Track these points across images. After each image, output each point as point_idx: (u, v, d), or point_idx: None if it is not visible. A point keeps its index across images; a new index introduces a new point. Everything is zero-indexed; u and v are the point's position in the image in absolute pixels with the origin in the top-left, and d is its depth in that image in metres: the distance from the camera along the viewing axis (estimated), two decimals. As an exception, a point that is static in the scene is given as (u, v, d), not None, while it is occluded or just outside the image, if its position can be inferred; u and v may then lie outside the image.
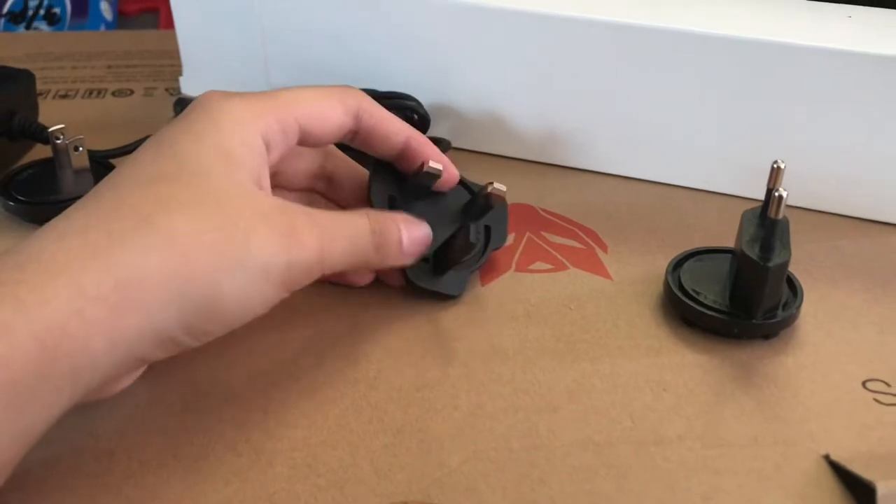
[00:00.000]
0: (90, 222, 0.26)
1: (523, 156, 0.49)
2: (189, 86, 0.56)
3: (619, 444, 0.29)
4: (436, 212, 0.36)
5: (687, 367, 0.33)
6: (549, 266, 0.39)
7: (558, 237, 0.41)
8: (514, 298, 0.36)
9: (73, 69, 0.61)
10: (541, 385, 0.32)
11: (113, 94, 0.57)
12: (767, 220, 0.33)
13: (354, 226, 0.31)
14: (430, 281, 0.35)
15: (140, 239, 0.26)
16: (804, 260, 0.39)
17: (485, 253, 0.38)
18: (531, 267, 0.39)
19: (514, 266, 0.39)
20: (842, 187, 0.43)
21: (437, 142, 0.46)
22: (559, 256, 0.40)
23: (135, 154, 0.29)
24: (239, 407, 0.30)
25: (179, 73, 0.56)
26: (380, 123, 0.34)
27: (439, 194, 0.37)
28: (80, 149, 0.42)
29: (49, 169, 0.43)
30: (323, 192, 0.37)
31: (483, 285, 0.37)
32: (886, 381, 0.32)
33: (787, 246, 0.33)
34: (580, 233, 0.42)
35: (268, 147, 0.31)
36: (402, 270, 0.34)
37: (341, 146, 0.36)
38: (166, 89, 0.58)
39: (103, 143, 0.46)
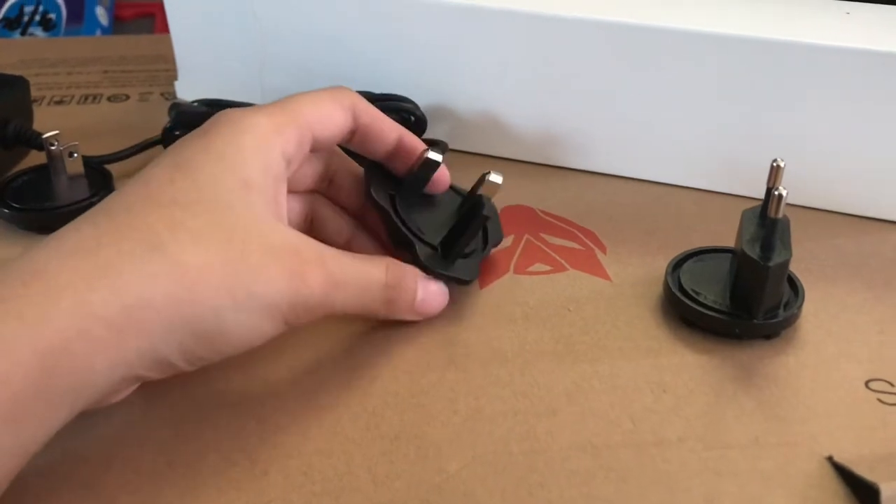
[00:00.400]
0: (101, 241, 0.26)
1: (521, 157, 0.48)
2: (184, 90, 0.55)
3: (618, 447, 0.29)
4: (432, 210, 0.36)
5: (687, 367, 0.32)
6: (548, 268, 0.39)
7: (557, 238, 0.41)
8: (513, 301, 0.36)
9: (67, 75, 0.61)
10: (540, 388, 0.31)
11: (108, 99, 0.57)
12: (767, 220, 0.32)
13: (368, 276, 0.31)
14: (445, 266, 0.34)
15: (149, 265, 0.25)
16: (805, 258, 0.39)
17: (486, 246, 0.38)
18: (530, 269, 0.39)
19: (512, 268, 0.38)
20: (842, 185, 0.43)
21: (434, 143, 0.45)
22: (558, 258, 0.39)
23: (151, 171, 0.29)
24: (233, 415, 0.30)
25: (175, 77, 0.55)
26: (374, 121, 0.34)
27: (432, 196, 0.37)
28: (75, 155, 0.42)
29: (44, 175, 0.43)
30: (325, 194, 0.37)
31: (481, 288, 0.37)
32: (890, 380, 0.32)
33: (787, 245, 0.33)
34: (579, 234, 0.41)
35: (288, 163, 0.31)
36: (415, 255, 0.34)
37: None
38: (162, 94, 0.58)
39: (99, 149, 0.45)
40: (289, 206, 0.34)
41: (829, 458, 0.28)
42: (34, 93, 0.55)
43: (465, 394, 0.31)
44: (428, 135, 0.48)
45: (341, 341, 0.33)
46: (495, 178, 0.34)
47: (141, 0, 1.37)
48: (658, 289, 0.37)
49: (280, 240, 0.29)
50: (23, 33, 1.21)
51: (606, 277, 0.38)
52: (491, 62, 0.46)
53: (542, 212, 0.43)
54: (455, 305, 0.36)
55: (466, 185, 0.38)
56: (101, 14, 1.29)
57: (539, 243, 0.40)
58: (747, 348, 0.33)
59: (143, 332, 0.25)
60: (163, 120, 0.46)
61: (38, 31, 1.23)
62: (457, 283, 0.35)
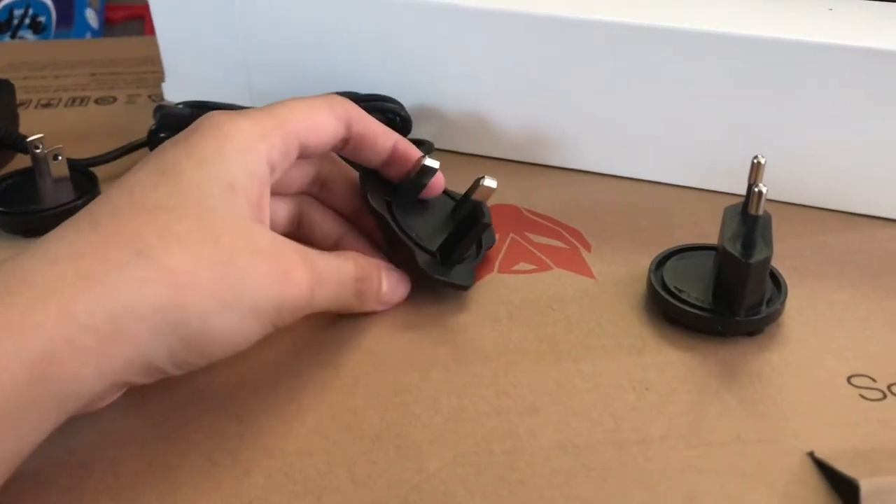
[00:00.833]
0: (85, 249, 0.26)
1: (507, 156, 0.48)
2: (171, 92, 0.55)
3: (600, 446, 0.29)
4: (426, 214, 0.36)
5: (670, 365, 0.32)
6: (532, 266, 0.39)
7: (542, 237, 0.41)
8: (497, 300, 0.36)
9: (55, 78, 0.61)
10: (522, 387, 0.31)
11: (96, 101, 0.57)
12: (749, 217, 0.32)
13: (343, 271, 0.32)
14: (444, 273, 0.35)
15: (135, 270, 0.25)
16: (790, 255, 0.39)
17: (480, 250, 0.38)
18: (514, 268, 0.39)
19: (497, 267, 0.38)
20: (827, 181, 0.43)
21: (420, 143, 0.46)
22: (543, 257, 0.39)
23: (135, 176, 0.29)
24: (215, 416, 0.30)
25: (162, 79, 0.55)
26: (369, 130, 0.34)
27: (425, 201, 0.37)
28: (60, 158, 0.42)
29: (29, 179, 0.43)
30: (317, 196, 0.37)
31: (466, 287, 0.37)
32: (872, 376, 0.32)
33: (769, 242, 0.33)
34: (564, 232, 0.41)
35: (272, 169, 0.31)
36: (414, 262, 0.34)
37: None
38: (149, 96, 0.58)
39: (86, 152, 0.45)
40: (276, 208, 0.35)
41: (811, 455, 0.28)
42: (22, 96, 0.55)
43: (447, 393, 0.31)
44: (413, 135, 0.48)
45: (323, 341, 0.33)
46: (489, 182, 0.35)
47: (130, 2, 1.37)
48: (642, 287, 0.37)
49: (266, 242, 0.29)
50: (12, 36, 1.21)
51: (591, 276, 0.38)
52: (475, 61, 0.46)
53: (527, 210, 0.43)
54: (439, 305, 0.36)
55: (452, 185, 0.38)
56: (91, 17, 1.29)
57: (524, 242, 0.40)
58: (730, 345, 0.33)
59: (131, 339, 0.25)
60: (150, 122, 0.46)
61: (28, 34, 1.23)
62: (455, 290, 0.36)
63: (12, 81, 0.50)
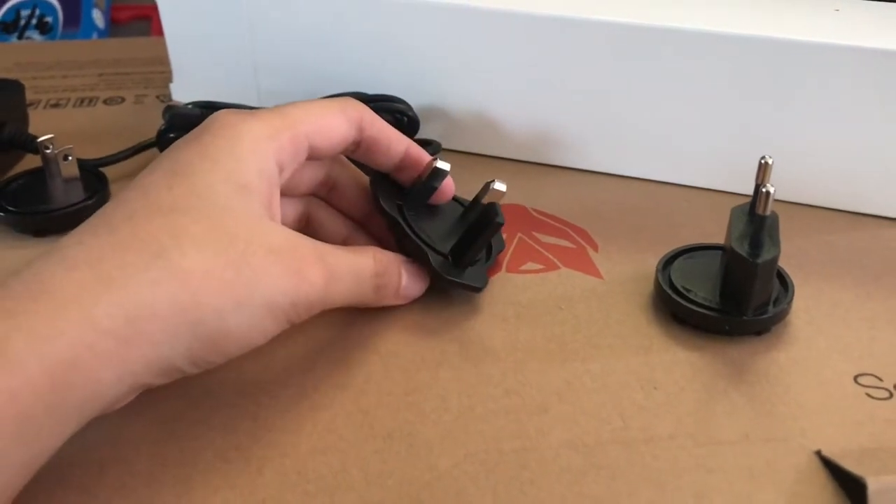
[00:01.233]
0: (103, 253, 0.26)
1: (514, 156, 0.49)
2: (179, 92, 0.56)
3: (609, 445, 0.29)
4: (437, 218, 0.37)
5: (678, 364, 0.33)
6: (539, 266, 0.39)
7: (549, 237, 0.41)
8: (505, 300, 0.36)
9: (63, 78, 0.61)
10: (531, 386, 0.32)
11: (104, 102, 0.57)
12: (756, 216, 0.33)
13: (359, 266, 0.32)
14: (457, 274, 0.35)
15: (152, 272, 0.26)
16: (796, 255, 0.39)
17: (491, 253, 0.38)
18: (522, 267, 0.39)
19: (504, 267, 0.39)
20: (833, 181, 0.43)
21: (427, 144, 0.46)
22: (550, 256, 0.40)
23: (148, 177, 0.29)
24: (228, 414, 0.30)
25: (170, 79, 0.56)
26: (381, 134, 0.34)
27: (436, 207, 0.37)
28: (70, 158, 0.42)
29: (39, 179, 0.43)
30: (325, 198, 0.37)
31: (474, 287, 0.37)
32: (878, 375, 0.32)
33: (776, 242, 0.33)
34: (571, 232, 0.42)
35: (280, 169, 0.31)
36: (428, 264, 0.35)
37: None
38: (157, 96, 0.58)
39: (95, 152, 0.46)
40: (284, 209, 0.35)
41: (818, 453, 0.28)
42: (30, 96, 0.55)
43: (457, 392, 0.31)
44: (421, 135, 0.48)
45: (335, 341, 0.34)
46: (499, 186, 0.35)
47: (137, 2, 1.37)
48: (649, 286, 0.37)
49: (279, 240, 0.29)
50: (19, 37, 1.22)
51: (598, 275, 0.38)
52: (482, 62, 0.46)
53: (535, 210, 0.43)
54: (448, 305, 0.36)
55: (459, 184, 0.38)
56: (98, 17, 1.30)
57: (531, 242, 0.41)
58: (738, 345, 0.34)
59: (149, 341, 0.25)
60: (158, 122, 0.46)
61: (35, 35, 1.23)
62: (469, 291, 0.36)
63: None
